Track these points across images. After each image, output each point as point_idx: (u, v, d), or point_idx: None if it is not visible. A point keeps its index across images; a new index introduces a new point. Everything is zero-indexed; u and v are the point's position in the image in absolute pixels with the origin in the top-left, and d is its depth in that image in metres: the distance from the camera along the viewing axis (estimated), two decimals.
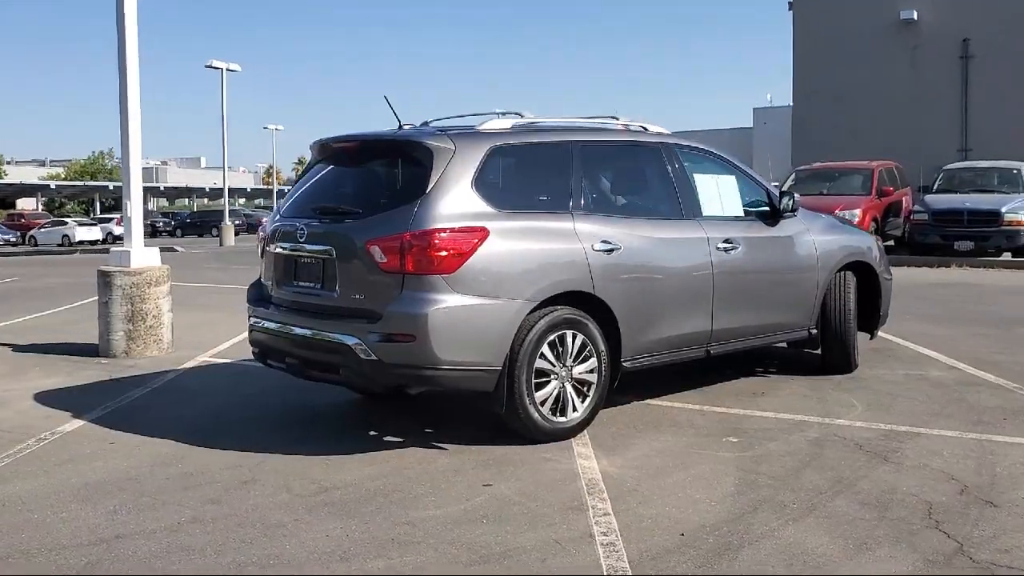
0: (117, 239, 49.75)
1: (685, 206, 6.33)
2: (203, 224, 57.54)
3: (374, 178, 5.79)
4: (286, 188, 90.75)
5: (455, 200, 5.24)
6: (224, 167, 44.18)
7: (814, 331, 7.15)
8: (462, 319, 5.14)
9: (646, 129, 6.54)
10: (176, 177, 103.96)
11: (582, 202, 5.78)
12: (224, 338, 9.74)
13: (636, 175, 6.43)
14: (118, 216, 56.33)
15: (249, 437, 5.77)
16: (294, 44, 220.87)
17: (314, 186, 6.00)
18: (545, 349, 5.42)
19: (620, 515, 4.28)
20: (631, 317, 5.80)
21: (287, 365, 5.72)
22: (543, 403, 5.44)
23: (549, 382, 5.47)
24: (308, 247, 5.58)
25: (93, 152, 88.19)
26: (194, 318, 10.64)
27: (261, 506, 4.50)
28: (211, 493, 4.70)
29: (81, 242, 45.86)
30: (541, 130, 5.92)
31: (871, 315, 7.65)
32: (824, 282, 7.12)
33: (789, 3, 33.51)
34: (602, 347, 5.67)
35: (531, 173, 5.81)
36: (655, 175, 6.37)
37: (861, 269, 7.50)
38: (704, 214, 6.42)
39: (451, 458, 5.24)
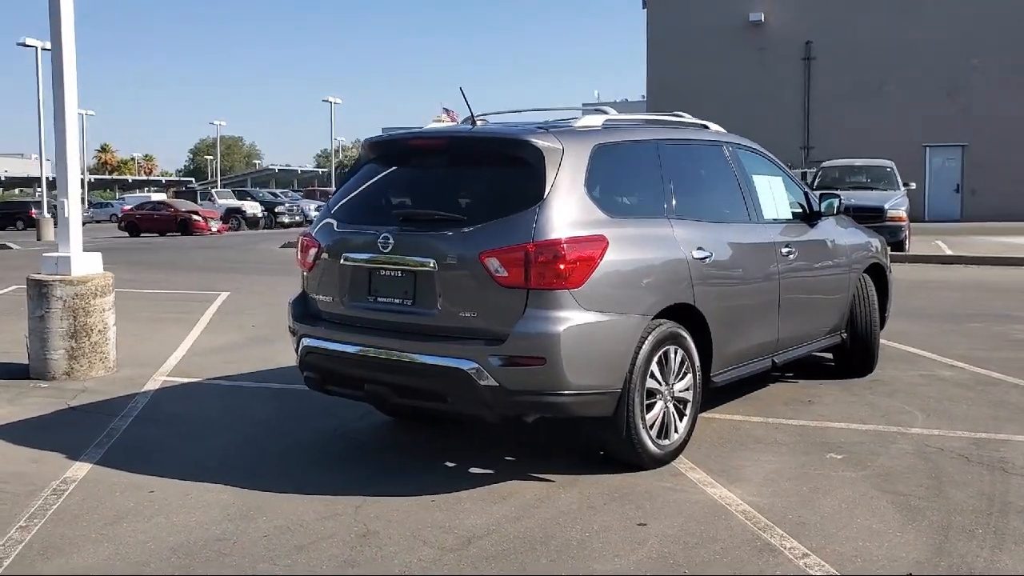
0: None
1: (751, 209, 6.04)
2: (6, 216, 52.39)
3: (470, 181, 5.07)
4: (93, 178, 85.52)
5: (573, 206, 4.70)
6: (41, 154, 40.48)
7: (845, 335, 7.05)
8: (591, 338, 4.61)
9: (707, 127, 6.19)
10: None
11: (675, 205, 5.37)
12: (166, 352, 8.68)
13: (710, 176, 6.06)
14: None
15: (311, 476, 5.03)
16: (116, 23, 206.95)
17: (384, 189, 5.24)
18: (654, 367, 4.98)
19: (821, 554, 3.92)
20: (721, 328, 5.45)
21: (366, 392, 4.96)
22: (651, 426, 5.00)
23: (656, 403, 5.04)
24: (396, 258, 4.85)
25: None
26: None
27: (412, 565, 3.83)
28: (337, 552, 3.97)
29: None
30: (629, 128, 5.46)
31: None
32: (853, 284, 7.03)
33: (643, 1, 34.19)
34: (697, 362, 5.29)
35: (628, 175, 5.33)
36: (725, 176, 6.03)
37: (875, 269, 7.45)
38: (764, 217, 6.16)
39: (568, 492, 4.72)
